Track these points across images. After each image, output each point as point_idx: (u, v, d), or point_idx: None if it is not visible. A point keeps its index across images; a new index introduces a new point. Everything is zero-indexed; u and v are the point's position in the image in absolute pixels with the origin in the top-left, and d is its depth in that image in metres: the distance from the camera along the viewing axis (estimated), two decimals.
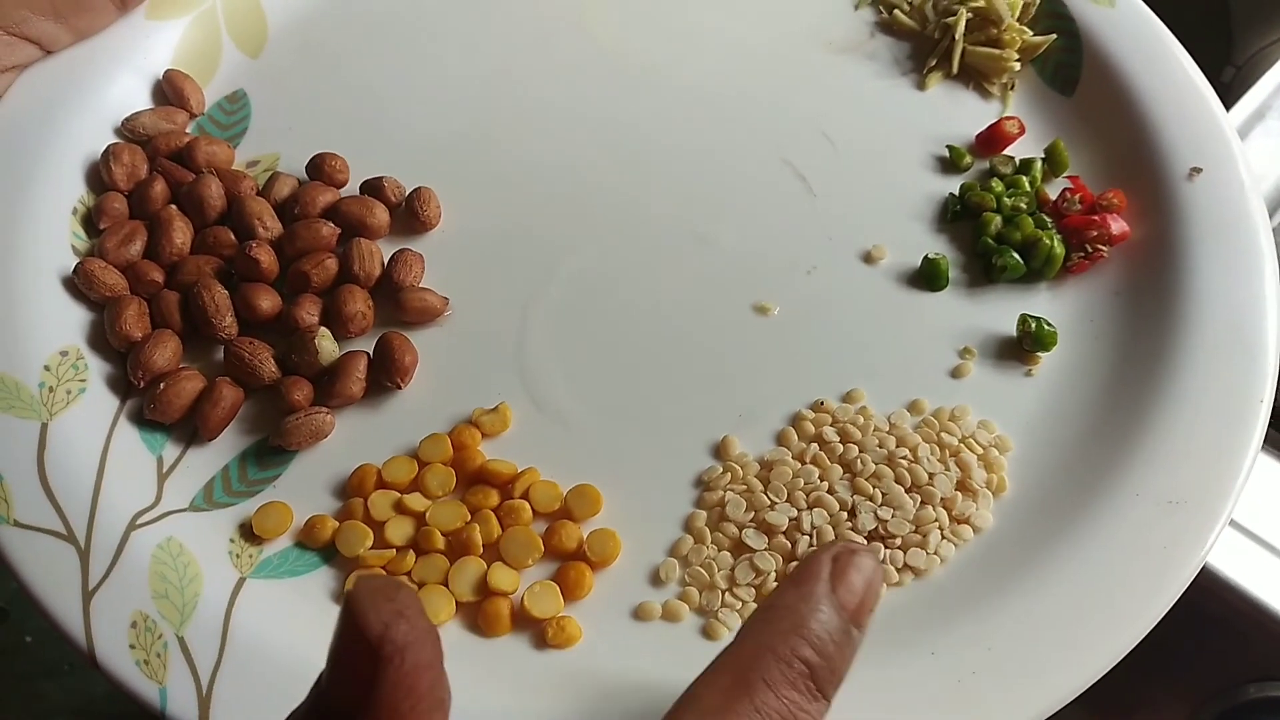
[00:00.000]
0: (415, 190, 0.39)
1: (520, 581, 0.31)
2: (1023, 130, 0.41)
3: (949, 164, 0.41)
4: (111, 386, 0.34)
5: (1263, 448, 0.39)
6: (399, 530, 0.32)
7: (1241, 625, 0.40)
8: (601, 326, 0.37)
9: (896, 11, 0.45)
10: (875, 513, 0.32)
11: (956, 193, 0.40)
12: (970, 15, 0.43)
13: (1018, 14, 0.44)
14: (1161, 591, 0.30)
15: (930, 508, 0.32)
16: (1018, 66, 0.43)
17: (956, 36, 0.43)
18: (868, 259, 0.39)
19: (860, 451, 0.34)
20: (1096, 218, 0.38)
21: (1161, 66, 0.41)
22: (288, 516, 0.32)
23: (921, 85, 0.43)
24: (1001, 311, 0.37)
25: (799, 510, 0.32)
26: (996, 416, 0.35)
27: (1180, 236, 0.38)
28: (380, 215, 0.38)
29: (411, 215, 0.39)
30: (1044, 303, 0.37)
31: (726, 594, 0.31)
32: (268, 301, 0.36)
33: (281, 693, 0.28)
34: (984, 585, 0.31)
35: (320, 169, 0.39)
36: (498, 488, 0.33)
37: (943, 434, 0.34)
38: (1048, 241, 0.37)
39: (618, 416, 0.35)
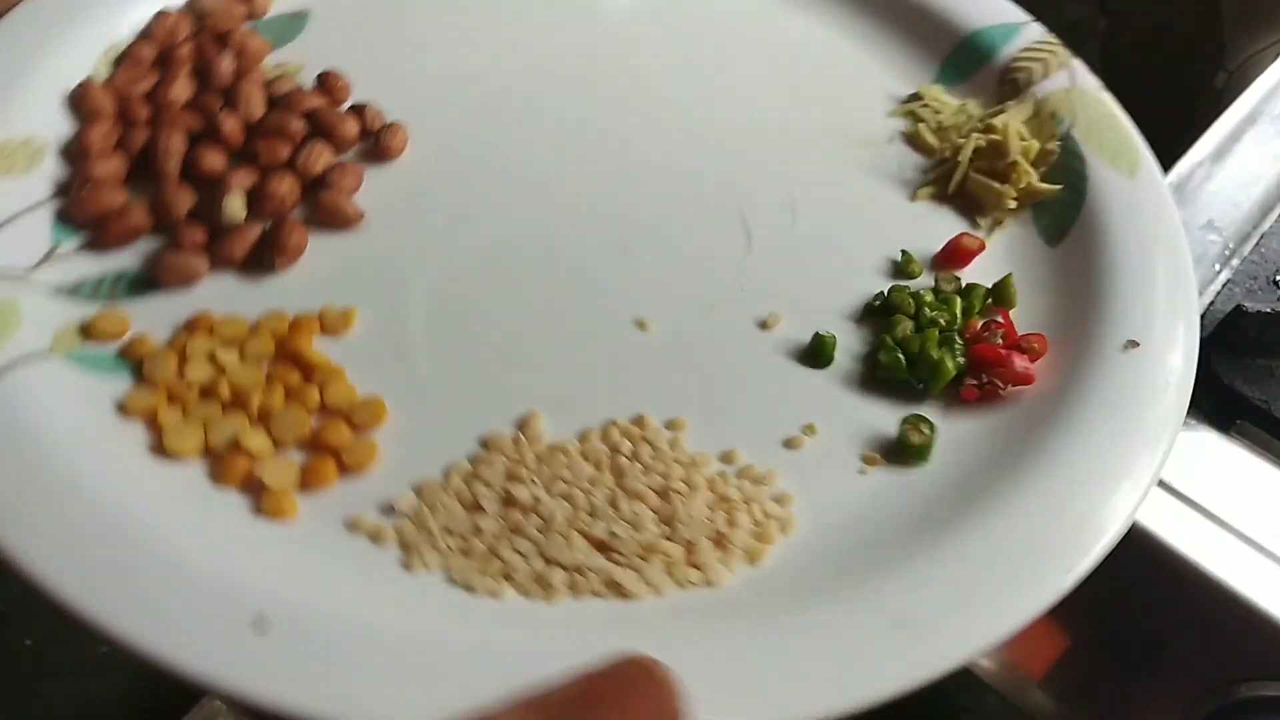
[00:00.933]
0: (391, 123, 0.42)
1: (271, 453, 0.32)
2: (982, 247, 0.40)
3: (898, 268, 0.40)
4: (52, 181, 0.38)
5: (1253, 449, 0.42)
6: (199, 370, 0.34)
7: (1232, 625, 0.39)
8: (489, 288, 0.38)
9: (922, 125, 0.45)
10: (612, 525, 0.31)
11: (885, 291, 0.39)
12: (982, 143, 0.42)
13: (1033, 158, 0.42)
14: None
15: (669, 542, 0.31)
16: (1013, 205, 0.42)
17: (961, 159, 0.42)
18: (764, 324, 0.38)
19: (639, 468, 0.33)
20: (1004, 353, 0.36)
21: (1155, 245, 0.39)
22: (122, 326, 0.35)
23: (912, 196, 0.43)
24: (873, 408, 0.36)
25: (546, 495, 0.32)
26: (807, 497, 0.33)
27: (1085, 404, 0.35)
28: (349, 129, 0.41)
29: (377, 142, 0.41)
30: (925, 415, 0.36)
31: (436, 538, 0.31)
32: (215, 161, 0.39)
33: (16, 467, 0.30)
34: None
35: (323, 81, 0.43)
36: (301, 370, 0.34)
37: (731, 488, 0.33)
38: (935, 355, 0.35)
39: (450, 366, 0.36)
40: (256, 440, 0.32)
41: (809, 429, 0.35)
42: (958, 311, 0.38)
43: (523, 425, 0.34)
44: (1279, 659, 0.40)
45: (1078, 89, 0.45)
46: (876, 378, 0.36)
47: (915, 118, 0.45)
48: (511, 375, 0.36)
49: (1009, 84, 0.46)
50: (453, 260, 0.39)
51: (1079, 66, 0.45)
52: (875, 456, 0.34)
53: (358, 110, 0.42)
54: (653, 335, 0.37)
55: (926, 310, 0.37)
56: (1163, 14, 0.45)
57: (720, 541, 0.32)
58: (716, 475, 0.33)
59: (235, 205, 0.38)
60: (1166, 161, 0.45)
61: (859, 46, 0.48)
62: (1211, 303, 0.46)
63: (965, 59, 0.47)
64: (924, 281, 0.40)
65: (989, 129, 0.43)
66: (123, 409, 0.33)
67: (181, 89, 0.41)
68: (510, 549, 0.31)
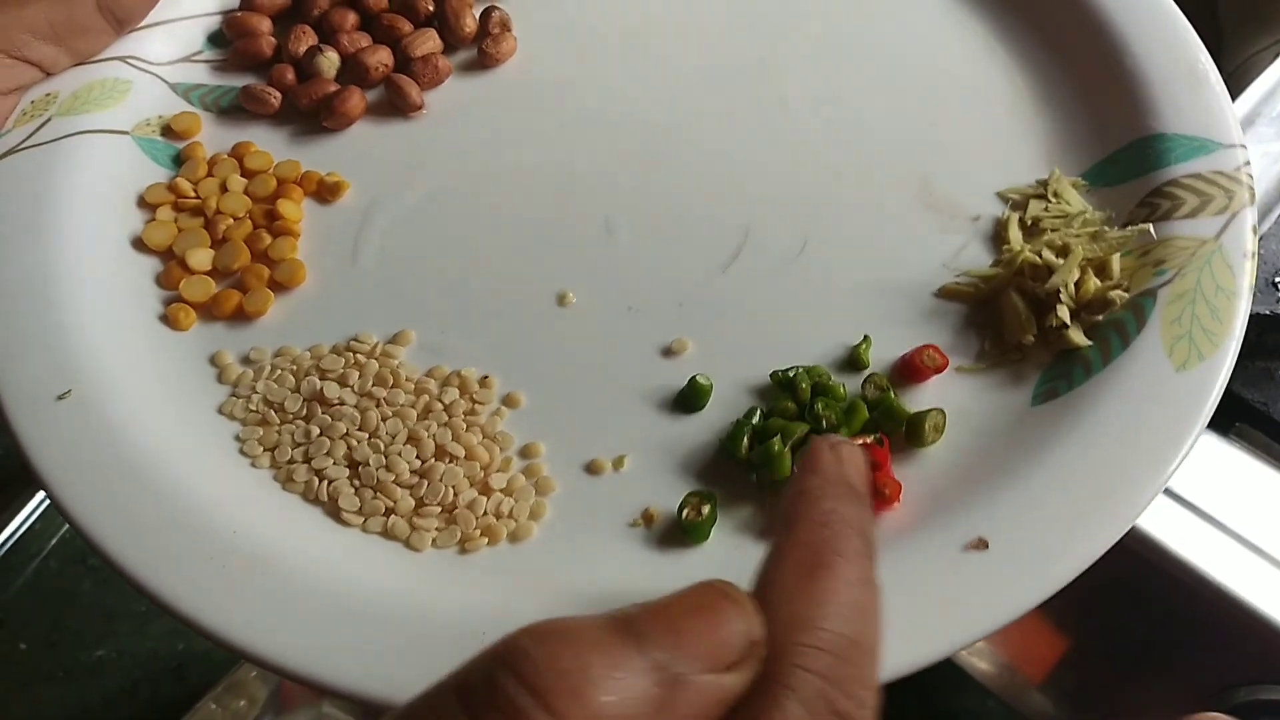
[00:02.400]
0: (505, 33, 0.44)
1: (203, 270, 0.38)
2: (941, 368, 0.35)
3: (852, 353, 0.36)
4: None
5: (1253, 451, 0.42)
6: (207, 186, 0.40)
7: (1232, 629, 0.40)
8: (473, 218, 0.40)
9: (1016, 215, 0.38)
10: (372, 452, 0.34)
11: (797, 369, 0.35)
12: (1035, 257, 0.36)
13: (1087, 299, 0.35)
14: None
15: (397, 488, 0.33)
16: (1030, 341, 0.35)
17: (1004, 268, 0.36)
18: (669, 350, 0.37)
19: (443, 419, 0.35)
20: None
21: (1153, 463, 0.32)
22: (193, 128, 0.42)
23: (939, 289, 0.37)
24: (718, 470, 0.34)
25: (351, 401, 0.35)
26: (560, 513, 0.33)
27: None
28: (467, 26, 0.44)
29: (484, 51, 0.44)
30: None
31: (253, 399, 0.35)
32: (345, 19, 0.44)
33: None
34: None
35: None
36: (270, 216, 0.40)
37: (498, 477, 0.34)
38: (776, 448, 0.32)
39: (389, 269, 0.39)
40: (198, 257, 0.39)
41: (618, 461, 0.34)
42: (850, 420, 0.34)
43: (393, 338, 0.37)
44: (1278, 662, 0.40)
45: (1217, 245, 0.35)
46: (721, 446, 0.34)
47: (1017, 205, 0.39)
48: (438, 301, 0.38)
49: (1149, 206, 0.37)
50: (465, 178, 0.41)
51: (1243, 219, 0.36)
52: (651, 515, 0.33)
53: (487, 12, 0.45)
54: (567, 308, 0.38)
55: (819, 407, 0.34)
56: None
57: (446, 513, 0.33)
58: (503, 459, 0.34)
59: (326, 61, 0.43)
60: None
61: (1025, 107, 0.42)
62: None
63: (1131, 161, 0.39)
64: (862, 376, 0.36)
65: (1063, 249, 0.36)
66: (142, 199, 0.40)
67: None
68: (291, 438, 0.35)
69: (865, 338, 0.36)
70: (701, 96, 0.43)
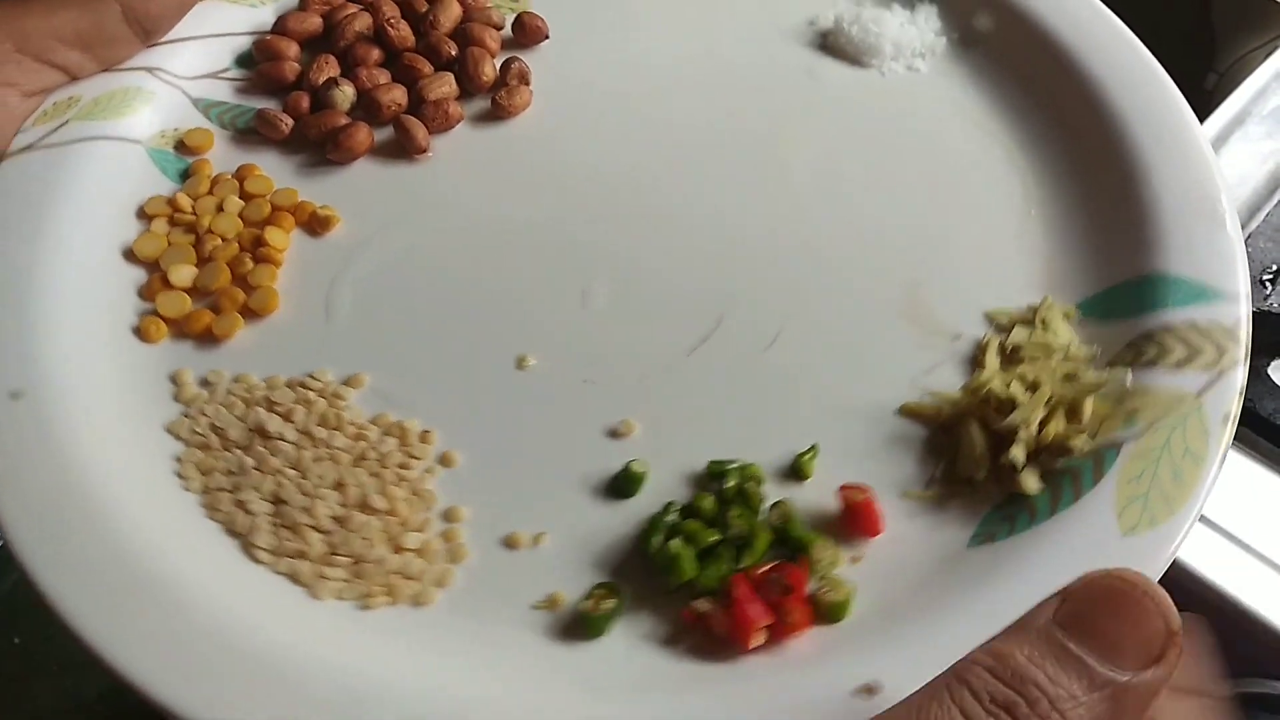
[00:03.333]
0: (520, 86, 0.44)
1: (182, 288, 0.39)
2: (868, 507, 0.33)
3: (796, 461, 0.35)
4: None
5: (1240, 448, 0.44)
6: (205, 205, 0.41)
7: (1220, 624, 0.39)
8: (462, 266, 0.40)
9: (995, 340, 0.37)
10: (296, 492, 0.34)
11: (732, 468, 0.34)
12: (1003, 391, 0.34)
13: (1046, 442, 0.33)
14: None
15: (311, 531, 0.33)
16: (981, 477, 0.34)
17: (965, 399, 0.35)
18: (615, 431, 0.36)
19: (375, 468, 0.35)
20: (742, 604, 0.31)
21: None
22: (205, 143, 0.43)
23: (901, 406, 0.36)
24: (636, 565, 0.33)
25: (289, 439, 0.35)
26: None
27: None
28: (486, 75, 0.44)
29: (498, 102, 0.44)
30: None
31: (200, 420, 0.36)
32: (368, 53, 0.45)
33: None
34: None
35: (520, 19, 0.46)
36: (256, 244, 0.40)
37: (411, 538, 0.33)
38: (674, 549, 0.32)
39: (363, 321, 0.39)
40: (180, 273, 0.39)
41: (538, 537, 0.34)
42: (756, 541, 0.32)
43: (347, 380, 0.37)
44: (1268, 657, 0.41)
45: (1197, 405, 0.33)
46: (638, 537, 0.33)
47: (1001, 329, 0.37)
48: (400, 347, 0.38)
49: (1135, 349, 0.36)
50: (455, 227, 0.41)
51: (1230, 380, 0.34)
52: (556, 600, 0.32)
53: (508, 63, 0.45)
54: (525, 374, 0.37)
55: (734, 514, 0.33)
56: (1153, 16, 0.43)
57: (355, 564, 0.33)
58: (423, 519, 0.34)
59: (340, 94, 0.44)
60: None
61: (1033, 225, 0.40)
62: None
63: (1128, 298, 0.37)
64: (803, 492, 0.34)
65: (1034, 384, 0.35)
66: (142, 210, 0.41)
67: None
68: (225, 466, 0.35)
69: (813, 447, 0.35)
70: (707, 170, 0.43)
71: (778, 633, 0.31)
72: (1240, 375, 0.34)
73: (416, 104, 0.44)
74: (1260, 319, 0.41)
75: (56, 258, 0.39)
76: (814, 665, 0.30)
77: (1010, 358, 0.36)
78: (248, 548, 0.33)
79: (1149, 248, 0.38)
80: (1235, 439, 0.36)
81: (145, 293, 0.39)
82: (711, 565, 0.32)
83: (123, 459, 0.35)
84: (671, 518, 0.33)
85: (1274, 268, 0.49)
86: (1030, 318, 0.37)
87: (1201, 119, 0.42)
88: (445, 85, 0.44)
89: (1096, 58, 0.43)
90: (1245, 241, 0.42)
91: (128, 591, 0.31)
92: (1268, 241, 0.49)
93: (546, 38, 0.47)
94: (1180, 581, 0.41)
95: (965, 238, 0.40)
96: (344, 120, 0.43)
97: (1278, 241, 0.50)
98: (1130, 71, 0.42)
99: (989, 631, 0.28)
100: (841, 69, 0.46)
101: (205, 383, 0.37)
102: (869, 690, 0.29)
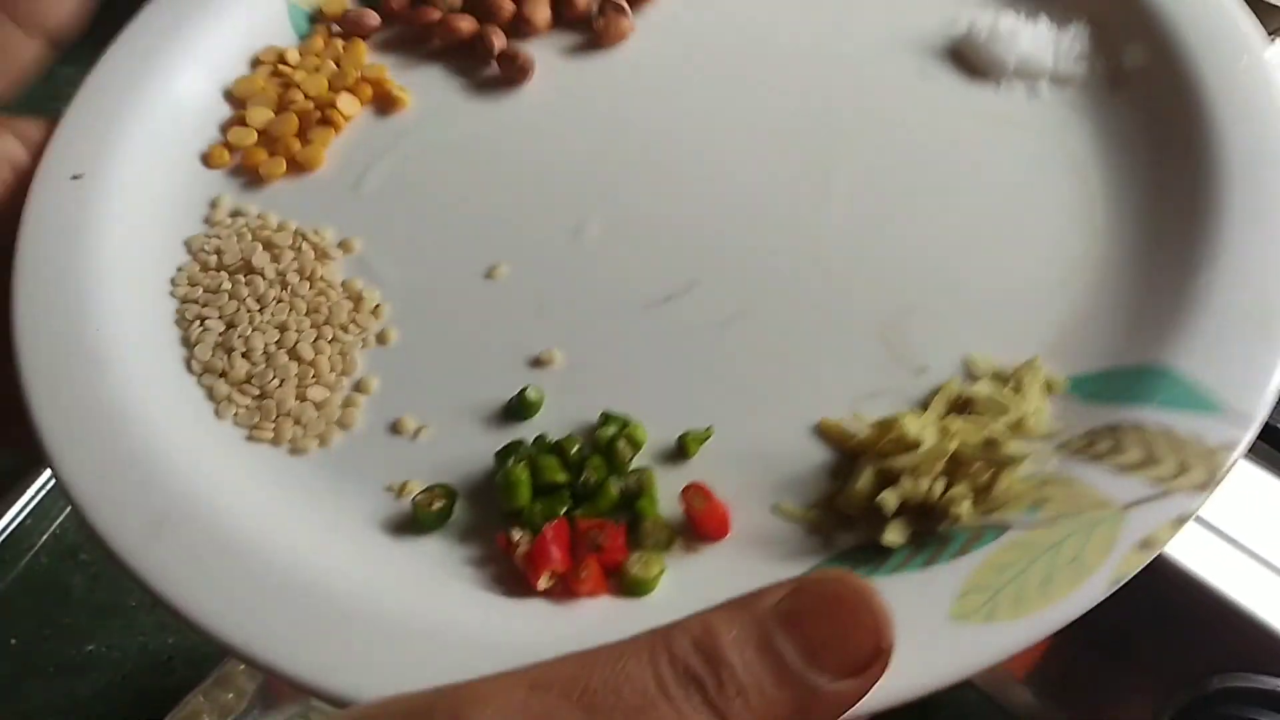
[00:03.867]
0: (620, 11, 0.44)
1: (259, 128, 0.43)
2: (721, 518, 0.32)
3: (679, 444, 0.33)
4: None
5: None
6: (311, 60, 0.45)
7: (1205, 618, 0.43)
8: (488, 174, 0.41)
9: (949, 388, 0.33)
10: (251, 325, 0.37)
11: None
12: (908, 434, 0.31)
13: (927, 501, 0.30)
14: None
15: (245, 362, 0.36)
16: (854, 514, 0.31)
17: (882, 426, 0.32)
18: (538, 360, 0.36)
19: (323, 318, 0.37)
20: (550, 550, 0.30)
21: None
22: (339, 5, 0.47)
23: (819, 422, 0.33)
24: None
25: (271, 278, 0.38)
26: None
27: None
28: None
29: (594, 29, 0.45)
30: None
31: (210, 242, 0.40)
32: None
33: None
34: None
35: None
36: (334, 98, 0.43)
37: (316, 388, 0.36)
38: (517, 476, 0.32)
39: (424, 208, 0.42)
40: (257, 115, 0.43)
41: (419, 430, 0.35)
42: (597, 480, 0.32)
43: (341, 243, 0.40)
44: (1253, 651, 0.42)
45: (1117, 517, 0.28)
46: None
47: (970, 378, 0.34)
48: (397, 226, 0.40)
49: (1086, 439, 0.31)
50: (496, 135, 0.42)
51: (1173, 507, 0.28)
52: (405, 488, 0.33)
53: None
54: (489, 283, 0.38)
55: (592, 460, 0.32)
56: None
57: (261, 397, 0.36)
58: (335, 379, 0.36)
59: None
60: None
61: (1073, 285, 0.36)
62: None
63: (1121, 385, 0.32)
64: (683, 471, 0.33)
65: (952, 438, 0.31)
66: (257, 59, 0.45)
67: None
68: (208, 284, 0.39)
69: (707, 429, 0.33)
70: (762, 145, 0.41)
71: (573, 585, 0.30)
72: (1191, 504, 0.29)
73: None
74: None
75: (168, 78, 0.43)
76: (592, 630, 0.29)
77: (960, 408, 0.33)
78: (187, 359, 0.37)
79: (1171, 337, 0.32)
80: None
81: (225, 126, 0.44)
82: (546, 502, 0.32)
83: (137, 255, 0.39)
84: (533, 449, 0.33)
85: None
86: (1006, 375, 0.33)
87: None
88: (544, 8, 0.45)
89: (1235, 130, 0.37)
90: None
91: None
92: None
93: None
94: (1173, 580, 0.41)
95: (991, 280, 0.36)
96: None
97: None
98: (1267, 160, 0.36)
99: None
100: (955, 77, 0.42)
101: (236, 213, 0.41)
102: None
